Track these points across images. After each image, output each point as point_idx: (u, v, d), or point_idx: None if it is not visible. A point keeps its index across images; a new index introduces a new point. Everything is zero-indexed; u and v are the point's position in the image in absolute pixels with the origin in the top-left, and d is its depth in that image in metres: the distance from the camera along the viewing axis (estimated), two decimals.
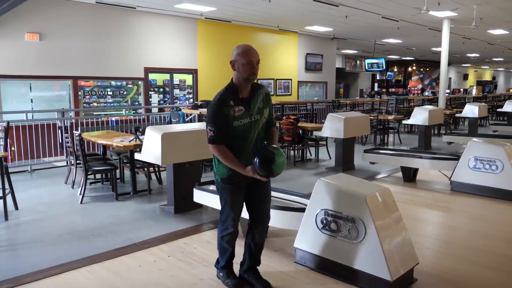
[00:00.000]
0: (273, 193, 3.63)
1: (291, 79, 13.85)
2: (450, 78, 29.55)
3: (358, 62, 21.15)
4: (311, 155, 7.46)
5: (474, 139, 5.10)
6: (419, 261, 2.81)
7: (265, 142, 2.54)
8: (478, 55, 21.99)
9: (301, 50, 14.07)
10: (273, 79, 13.28)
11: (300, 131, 6.86)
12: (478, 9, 9.69)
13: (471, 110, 9.63)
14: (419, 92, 24.81)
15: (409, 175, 5.51)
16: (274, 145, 2.42)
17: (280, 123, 6.85)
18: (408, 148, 7.89)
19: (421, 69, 26.81)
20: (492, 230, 3.90)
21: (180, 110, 7.85)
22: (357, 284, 2.69)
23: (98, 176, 5.58)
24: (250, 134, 2.46)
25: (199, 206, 4.28)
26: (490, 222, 4.12)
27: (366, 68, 17.32)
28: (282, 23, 12.21)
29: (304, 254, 2.99)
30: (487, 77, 36.27)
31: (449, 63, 27.76)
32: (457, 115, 10.88)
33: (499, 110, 12.97)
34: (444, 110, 10.50)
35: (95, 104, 9.09)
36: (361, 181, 3.05)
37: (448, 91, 25.74)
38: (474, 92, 26.56)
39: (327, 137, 6.93)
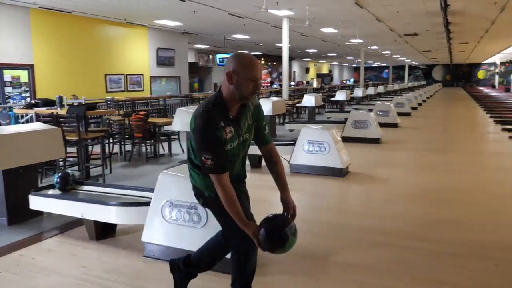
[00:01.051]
0: (116, 190, 3.59)
1: (142, 74, 13.52)
2: (294, 72, 32.34)
3: (210, 56, 21.66)
4: (164, 150, 7.46)
5: (308, 125, 5.76)
6: None
7: (284, 213, 2.14)
8: (316, 50, 24.53)
9: (152, 44, 13.82)
10: (123, 74, 12.78)
11: (151, 126, 6.80)
12: (310, 9, 10.84)
13: (309, 100, 10.78)
14: (269, 85, 26.63)
15: (256, 162, 5.94)
16: (292, 221, 2.02)
17: (129, 120, 6.68)
18: None
19: (269, 63, 28.75)
20: (326, 203, 4.49)
21: (11, 110, 7.03)
22: None
23: None
24: (239, 157, 2.09)
25: (39, 213, 3.95)
26: (324, 197, 4.74)
27: (218, 62, 17.89)
28: (129, 16, 11.81)
29: (152, 247, 3.03)
30: (325, 70, 40.77)
31: (292, 58, 30.42)
32: (298, 105, 12.06)
33: (332, 99, 14.77)
34: (286, 101, 11.51)
35: None
36: None
37: (293, 83, 28.17)
38: (315, 84, 29.58)
39: (179, 131, 7.01)
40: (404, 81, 38.83)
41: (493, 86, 38.59)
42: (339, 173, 5.37)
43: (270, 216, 2.00)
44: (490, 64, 42.70)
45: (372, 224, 3.81)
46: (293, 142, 5.72)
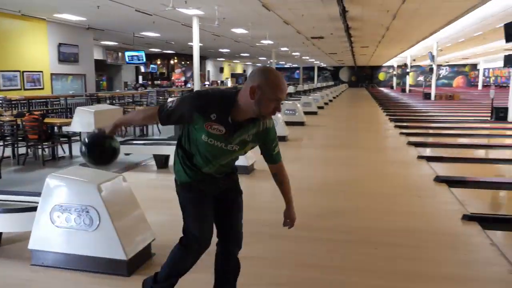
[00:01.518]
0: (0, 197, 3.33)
1: (42, 72, 12.55)
2: (208, 71, 32.34)
3: (119, 54, 20.82)
4: (64, 152, 7.03)
5: None
6: (157, 237, 3.08)
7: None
8: (229, 50, 24.74)
9: (52, 39, 12.89)
10: (19, 71, 11.77)
11: (48, 127, 6.37)
12: (219, 9, 10.92)
13: None
14: (183, 84, 26.34)
15: (162, 162, 5.86)
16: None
17: (23, 121, 6.19)
18: (166, 137, 8.35)
19: (183, 62, 28.41)
20: None
21: None
22: (98, 271, 2.76)
23: None
24: (217, 161, 2.01)
25: None
26: None
27: (127, 60, 17.25)
28: (24, 7, 10.90)
29: (41, 254, 2.86)
30: (239, 70, 41.34)
31: (206, 57, 30.40)
32: None
33: None
34: None
35: None
36: (95, 171, 3.11)
37: (207, 83, 28.21)
38: (229, 83, 29.93)
39: (80, 132, 6.66)
40: (314, 81, 40.79)
41: (391, 87, 42.14)
42: (244, 170, 5.50)
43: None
44: (389, 67, 46.59)
45: (272, 218, 3.96)
46: None
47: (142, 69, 26.16)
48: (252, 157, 5.79)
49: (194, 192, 2.07)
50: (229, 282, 2.28)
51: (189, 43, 18.96)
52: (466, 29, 16.06)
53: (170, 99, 1.99)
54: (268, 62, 32.90)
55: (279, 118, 8.30)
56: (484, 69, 42.87)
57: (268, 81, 1.78)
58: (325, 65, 45.19)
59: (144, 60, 17.56)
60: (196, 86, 12.32)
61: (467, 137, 9.03)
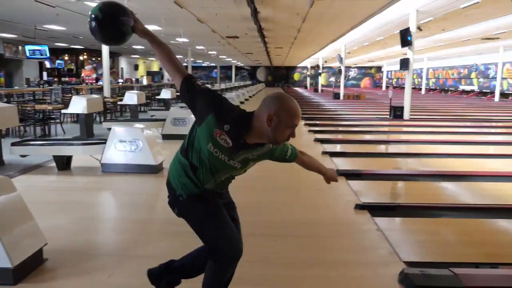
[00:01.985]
0: None
1: None
2: (122, 68, 31.10)
3: (20, 48, 19.15)
4: None
5: (119, 123, 5.64)
6: (49, 241, 2.92)
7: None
8: (143, 47, 24.00)
9: None
10: None
11: None
12: (130, 4, 10.52)
13: (130, 98, 10.53)
14: (94, 81, 24.98)
15: (63, 163, 5.54)
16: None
17: None
18: (71, 137, 7.89)
19: (94, 59, 26.98)
20: (137, 200, 4.47)
21: None
22: None
23: None
24: (219, 173, 1.91)
25: None
26: (135, 194, 4.71)
27: (28, 55, 15.94)
28: None
29: None
30: (155, 68, 40.28)
31: (119, 54, 29.20)
32: (119, 102, 11.66)
33: (158, 97, 14.73)
34: (107, 98, 11.02)
35: None
36: None
37: (121, 80, 27.08)
38: (145, 81, 28.99)
39: None
40: (232, 80, 41.14)
41: (305, 87, 43.97)
42: (152, 170, 5.41)
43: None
44: (303, 68, 48.59)
45: (174, 216, 3.97)
46: (103, 141, 5.53)
47: (48, 64, 24.36)
48: (160, 155, 5.71)
49: (207, 201, 1.97)
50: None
51: None
52: (369, 34, 17.33)
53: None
54: (185, 60, 32.52)
55: (191, 116, 8.26)
56: (387, 71, 46.55)
57: (285, 109, 1.75)
58: (242, 64, 45.79)
59: (48, 55, 16.33)
60: (106, 84, 11.78)
61: (368, 133, 9.77)
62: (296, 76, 50.57)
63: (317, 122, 11.77)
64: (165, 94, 13.91)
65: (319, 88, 33.55)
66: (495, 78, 25.06)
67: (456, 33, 16.59)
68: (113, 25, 1.94)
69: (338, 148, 7.95)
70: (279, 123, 1.74)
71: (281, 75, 49.66)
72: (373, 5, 11.16)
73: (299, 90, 40.05)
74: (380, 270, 2.88)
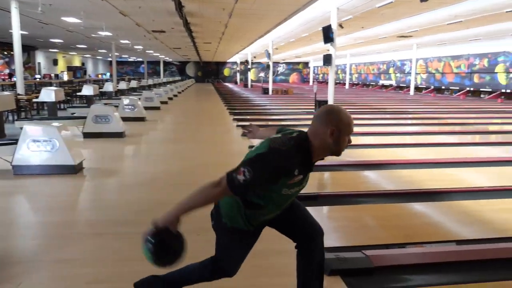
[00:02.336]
0: None
1: None
2: (39, 63, 29.05)
3: None
4: None
5: (31, 122, 5.26)
6: None
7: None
8: (62, 41, 22.60)
9: None
10: None
11: None
12: None
13: (47, 95, 9.86)
14: (7, 77, 23.05)
15: None
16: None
17: None
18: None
19: (6, 53, 24.88)
20: (54, 203, 4.20)
21: None
22: None
23: None
24: (287, 203, 1.98)
25: None
26: (52, 197, 4.43)
27: None
28: None
29: None
30: (77, 63, 38.13)
31: (35, 47, 27.25)
32: (35, 100, 10.89)
33: (79, 94, 13.96)
34: (21, 96, 10.24)
35: None
36: None
37: (38, 76, 25.28)
38: (65, 77, 27.28)
39: None
40: (160, 76, 40.17)
41: (236, 82, 44.19)
42: (71, 170, 5.13)
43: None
44: (233, 63, 48.75)
45: (93, 217, 3.82)
46: (15, 141, 5.13)
47: None
48: (79, 155, 5.44)
49: (246, 238, 2.03)
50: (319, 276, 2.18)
51: (11, 31, 16.80)
52: (295, 31, 17.81)
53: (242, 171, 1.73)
54: (109, 55, 31.17)
55: (113, 113, 7.94)
56: (314, 67, 48.24)
57: (343, 121, 1.82)
58: (171, 59, 44.86)
59: None
60: (19, 80, 10.93)
61: (294, 127, 10.04)
62: (226, 72, 50.61)
63: (246, 117, 11.89)
64: (87, 90, 13.22)
65: (249, 83, 33.87)
66: (410, 73, 26.98)
67: (374, 31, 17.61)
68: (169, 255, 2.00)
69: None
70: (340, 135, 1.82)
71: (211, 71, 49.41)
72: (297, 2, 11.47)
73: (229, 85, 40.15)
74: None
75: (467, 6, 11.63)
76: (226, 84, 43.99)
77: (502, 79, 21.41)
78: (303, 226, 2.12)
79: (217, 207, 2.04)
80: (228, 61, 48.48)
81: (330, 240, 3.36)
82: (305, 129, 1.94)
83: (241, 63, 43.79)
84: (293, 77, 51.57)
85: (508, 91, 20.83)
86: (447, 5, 11.69)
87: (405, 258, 2.93)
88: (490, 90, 22.16)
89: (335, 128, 1.80)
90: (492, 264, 2.91)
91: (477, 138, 9.31)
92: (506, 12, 12.24)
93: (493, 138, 9.45)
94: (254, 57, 35.78)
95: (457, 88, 24.77)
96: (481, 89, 22.89)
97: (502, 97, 20.88)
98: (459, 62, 24.76)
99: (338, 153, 1.88)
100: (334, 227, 3.68)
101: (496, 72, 21.77)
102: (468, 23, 14.85)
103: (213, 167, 5.86)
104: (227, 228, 1.99)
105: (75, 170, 5.16)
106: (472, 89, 23.63)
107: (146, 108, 11.76)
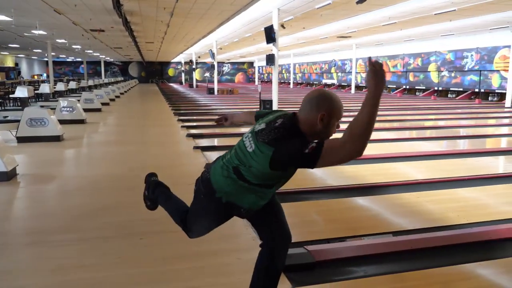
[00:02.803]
0: None
1: None
2: None
3: None
4: None
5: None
6: None
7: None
8: None
9: None
10: None
11: None
12: None
13: None
14: None
15: None
16: None
17: None
18: None
19: None
20: None
21: None
22: None
23: None
24: (279, 185, 2.01)
25: None
26: None
27: None
28: None
29: None
30: (10, 63, 35.83)
31: None
32: None
33: (12, 96, 13.15)
34: None
35: None
36: None
37: None
38: None
39: None
40: (102, 77, 38.73)
41: (181, 83, 43.57)
42: (2, 177, 4.83)
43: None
44: (178, 63, 48.03)
45: (29, 226, 3.64)
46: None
47: None
48: (13, 161, 5.13)
49: (227, 211, 2.06)
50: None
51: None
52: (238, 31, 17.89)
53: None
54: (45, 55, 29.58)
55: (49, 116, 7.57)
56: (259, 66, 48.70)
57: (334, 106, 1.83)
58: (112, 59, 43.38)
59: None
60: None
61: (239, 127, 10.09)
62: (171, 72, 49.79)
63: (191, 117, 11.78)
64: (21, 92, 12.49)
65: (194, 83, 33.55)
66: (351, 72, 28.03)
67: (315, 31, 18.11)
68: None
69: (210, 142, 8.06)
70: (329, 120, 1.83)
71: (155, 71, 48.39)
72: (238, 2, 11.53)
73: (174, 85, 39.55)
74: (242, 255, 3.01)
75: (399, 8, 12.30)
76: (171, 84, 43.27)
77: (434, 77, 22.84)
78: (275, 230, 2.15)
79: (210, 184, 2.02)
80: (172, 61, 47.71)
81: None
82: (250, 129, 1.99)
83: (186, 63, 43.28)
84: (239, 77, 51.75)
85: (440, 88, 22.26)
86: (381, 7, 12.28)
87: (346, 251, 3.06)
88: (424, 88, 23.56)
89: (325, 113, 1.81)
90: (425, 252, 3.11)
91: (414, 134, 9.86)
92: (435, 14, 13.08)
93: (428, 133, 10.06)
94: (199, 57, 35.48)
95: (394, 86, 26.08)
96: (416, 87, 24.27)
97: (435, 94, 22.28)
98: (395, 62, 26.09)
99: (326, 138, 1.84)
100: None
101: (429, 71, 23.19)
102: (401, 25, 15.69)
103: (157, 169, 5.75)
104: (214, 194, 1.99)
105: (7, 177, 4.87)
106: (408, 87, 25.00)
107: (86, 110, 11.31)
